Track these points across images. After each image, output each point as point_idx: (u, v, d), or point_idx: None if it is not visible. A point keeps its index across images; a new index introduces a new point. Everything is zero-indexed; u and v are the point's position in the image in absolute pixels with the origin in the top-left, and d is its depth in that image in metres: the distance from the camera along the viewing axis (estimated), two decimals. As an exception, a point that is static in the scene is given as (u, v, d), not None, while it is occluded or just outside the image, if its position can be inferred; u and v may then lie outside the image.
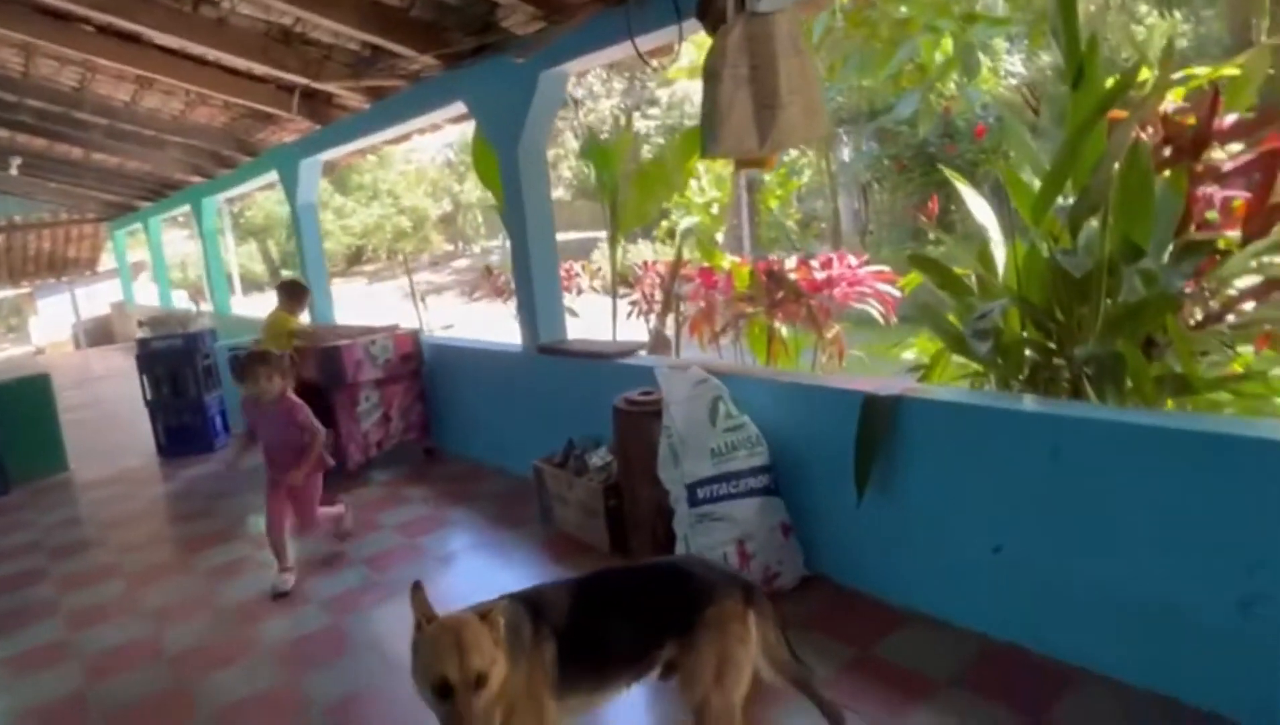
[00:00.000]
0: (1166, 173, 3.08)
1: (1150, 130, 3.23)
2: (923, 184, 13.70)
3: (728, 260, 6.71)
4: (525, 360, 5.01)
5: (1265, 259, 3.03)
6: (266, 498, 3.89)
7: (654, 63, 4.14)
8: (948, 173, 4.27)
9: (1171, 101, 3.42)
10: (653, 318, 7.13)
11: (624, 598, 2.09)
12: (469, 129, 6.59)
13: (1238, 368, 3.03)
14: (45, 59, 6.53)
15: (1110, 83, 3.01)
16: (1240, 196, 3.03)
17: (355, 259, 32.65)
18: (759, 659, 2.05)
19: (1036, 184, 3.25)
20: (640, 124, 20.55)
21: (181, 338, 6.67)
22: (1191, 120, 3.14)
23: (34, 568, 4.44)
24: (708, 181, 8.56)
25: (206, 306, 11.88)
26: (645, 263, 8.07)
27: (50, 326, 20.44)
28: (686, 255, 7.49)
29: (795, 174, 15.91)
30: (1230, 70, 3.37)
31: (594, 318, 7.89)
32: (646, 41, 3.73)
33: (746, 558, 3.10)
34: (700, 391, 3.29)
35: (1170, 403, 2.92)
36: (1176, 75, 3.40)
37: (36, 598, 4.02)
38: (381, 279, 29.40)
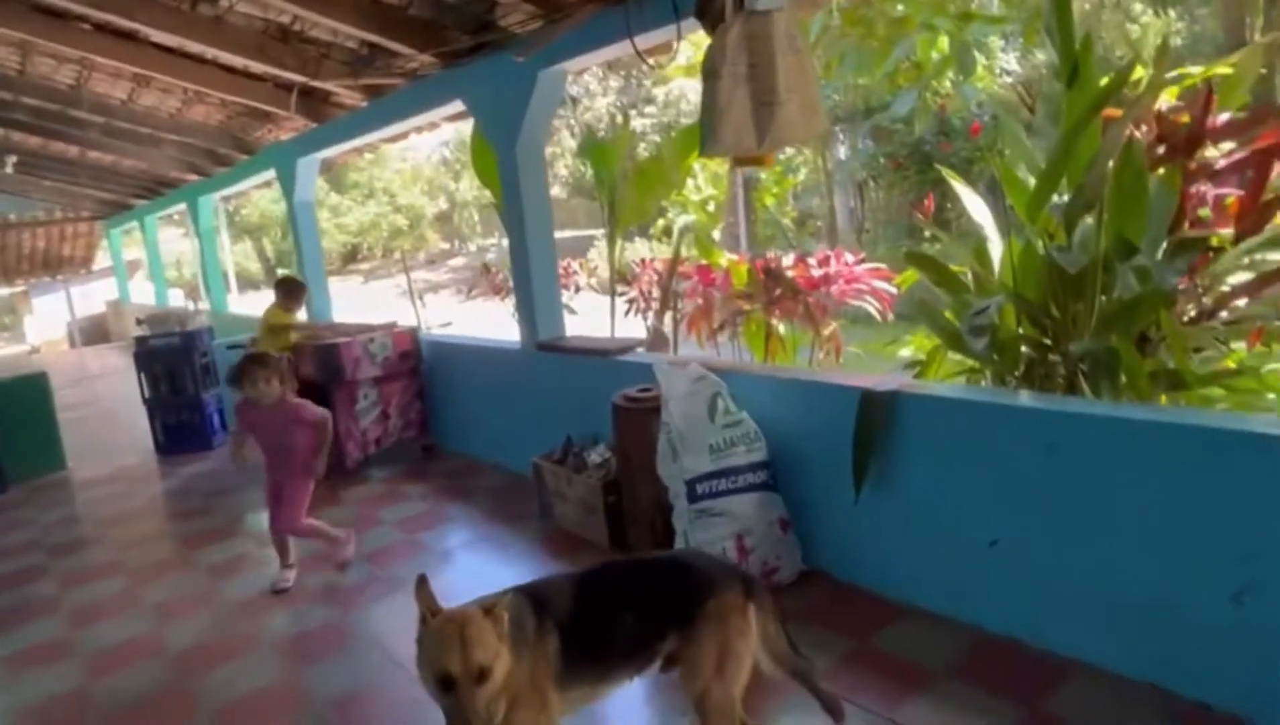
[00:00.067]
0: (1160, 170, 3.11)
1: (1144, 128, 3.26)
2: (919, 182, 13.70)
3: (725, 258, 6.72)
4: (524, 357, 5.02)
5: (1258, 256, 3.06)
6: (268, 497, 3.88)
7: (651, 61, 4.15)
8: (943, 171, 4.31)
9: (1165, 100, 3.45)
10: (650, 315, 7.14)
11: (626, 591, 2.11)
12: (465, 127, 6.59)
13: (1230, 363, 3.07)
14: (42, 57, 6.51)
15: (1105, 81, 3.05)
16: (1233, 194, 3.06)
17: (351, 257, 32.58)
18: (759, 651, 2.07)
19: (1032, 181, 3.28)
20: (636, 122, 20.52)
21: (179, 336, 6.68)
22: (1185, 118, 3.17)
23: (33, 565, 4.45)
24: (704, 179, 8.58)
25: (203, 305, 11.86)
26: (643, 260, 8.06)
27: (45, 325, 20.37)
28: (684, 253, 7.50)
29: (791, 172, 15.93)
30: (1224, 69, 3.40)
31: (592, 316, 7.90)
32: (645, 40, 3.73)
33: (745, 553, 3.12)
34: (699, 388, 3.31)
35: (1164, 398, 2.95)
36: (1170, 74, 3.43)
37: (36, 595, 4.03)
38: (377, 277, 29.34)
